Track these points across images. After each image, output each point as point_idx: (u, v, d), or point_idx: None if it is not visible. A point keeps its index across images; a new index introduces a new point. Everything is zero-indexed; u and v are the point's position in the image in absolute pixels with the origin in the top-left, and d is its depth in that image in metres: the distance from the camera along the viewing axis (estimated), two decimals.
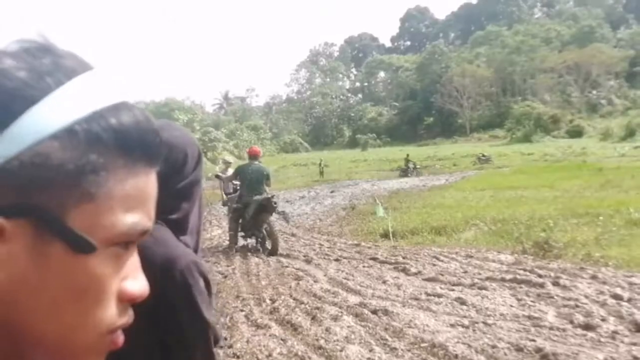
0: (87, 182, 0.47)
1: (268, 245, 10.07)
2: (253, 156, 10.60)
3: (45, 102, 0.47)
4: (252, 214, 10.05)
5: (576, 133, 57.91)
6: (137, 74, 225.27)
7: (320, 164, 34.10)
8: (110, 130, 0.49)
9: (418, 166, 31.51)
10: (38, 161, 0.46)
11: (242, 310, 6.43)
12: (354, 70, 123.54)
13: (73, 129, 0.47)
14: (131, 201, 0.50)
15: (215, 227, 13.92)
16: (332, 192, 22.76)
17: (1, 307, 0.47)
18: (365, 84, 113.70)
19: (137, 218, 0.51)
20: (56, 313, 0.48)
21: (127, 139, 0.50)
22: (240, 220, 10.44)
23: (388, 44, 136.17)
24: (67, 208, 0.47)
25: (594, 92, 73.48)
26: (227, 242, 11.10)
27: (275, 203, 10.07)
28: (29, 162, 0.45)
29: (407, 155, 34.01)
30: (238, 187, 10.75)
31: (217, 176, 11.94)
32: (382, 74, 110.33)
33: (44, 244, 0.47)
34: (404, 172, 30.42)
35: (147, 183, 0.52)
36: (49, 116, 0.47)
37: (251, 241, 10.59)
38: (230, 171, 11.60)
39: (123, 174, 0.49)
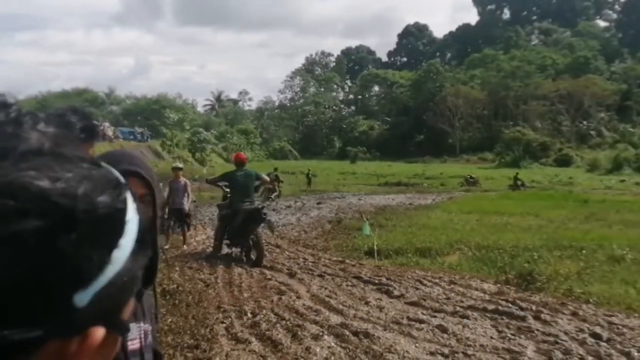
0: (138, 283, 0.59)
1: (253, 256, 10.04)
2: (240, 163, 10.62)
3: (129, 219, 0.55)
4: (240, 222, 10.01)
5: (564, 162, 58.45)
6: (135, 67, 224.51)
7: (307, 174, 34.11)
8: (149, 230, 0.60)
9: (527, 184, 32.03)
10: (127, 279, 0.54)
11: (222, 322, 6.41)
12: (348, 82, 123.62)
13: (139, 239, 0.56)
14: None
15: (200, 233, 13.86)
16: (318, 203, 22.76)
17: None
18: (359, 96, 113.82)
19: None
20: None
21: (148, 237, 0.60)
22: (227, 228, 10.42)
23: (385, 59, 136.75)
24: (126, 306, 0.58)
25: (585, 122, 74.21)
26: (211, 249, 11.07)
27: (265, 214, 10.10)
28: (121, 281, 0.54)
29: (517, 173, 34.74)
30: (229, 194, 10.70)
31: (207, 180, 11.91)
32: (376, 87, 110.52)
33: (109, 337, 0.55)
34: (514, 187, 30.90)
35: None
36: (132, 232, 0.55)
37: (236, 250, 10.56)
38: (182, 180, 11.80)
39: None
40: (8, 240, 0.47)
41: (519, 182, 31.24)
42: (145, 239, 0.59)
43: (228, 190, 10.60)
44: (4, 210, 0.47)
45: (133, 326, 1.43)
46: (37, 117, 0.55)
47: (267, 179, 11.04)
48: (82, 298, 0.50)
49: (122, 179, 0.58)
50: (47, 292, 0.48)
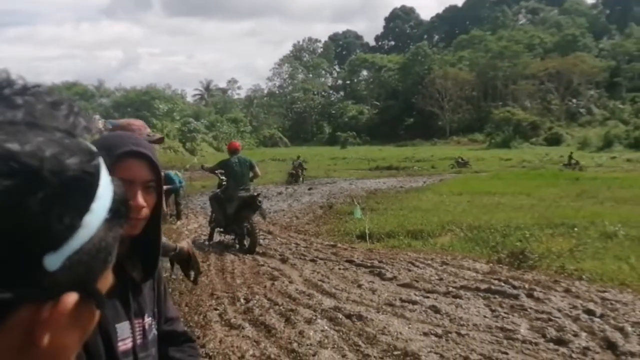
0: (113, 255, 0.59)
1: (246, 243, 10.01)
2: (233, 150, 10.64)
3: (102, 185, 0.55)
4: (234, 209, 10.02)
5: (554, 141, 58.54)
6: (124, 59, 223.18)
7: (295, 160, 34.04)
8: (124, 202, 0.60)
9: (581, 163, 31.48)
10: (100, 247, 0.55)
11: (216, 309, 6.39)
12: (337, 67, 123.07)
13: (113, 209, 0.57)
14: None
15: (192, 222, 13.80)
16: (310, 189, 22.71)
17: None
18: (348, 81, 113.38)
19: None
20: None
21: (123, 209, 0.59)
22: (222, 215, 10.39)
23: (372, 43, 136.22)
24: (100, 276, 0.57)
25: (574, 100, 74.30)
26: (204, 237, 11.08)
27: (260, 202, 10.09)
28: (94, 248, 0.54)
29: (571, 153, 34.05)
30: (224, 182, 10.57)
31: (202, 167, 11.81)
32: (364, 72, 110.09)
33: (83, 306, 0.55)
34: (567, 166, 30.66)
35: None
36: (105, 200, 0.56)
37: (229, 237, 10.55)
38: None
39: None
40: None
41: (573, 162, 30.94)
42: (120, 210, 0.58)
43: (224, 178, 10.53)
44: None
45: (124, 325, 1.37)
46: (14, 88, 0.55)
47: (259, 172, 10.97)
48: (53, 261, 0.50)
49: (94, 149, 0.57)
50: (17, 253, 0.48)
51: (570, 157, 31.81)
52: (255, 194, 10.25)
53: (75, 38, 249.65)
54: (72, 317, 0.53)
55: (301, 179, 26.76)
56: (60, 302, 0.52)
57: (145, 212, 1.37)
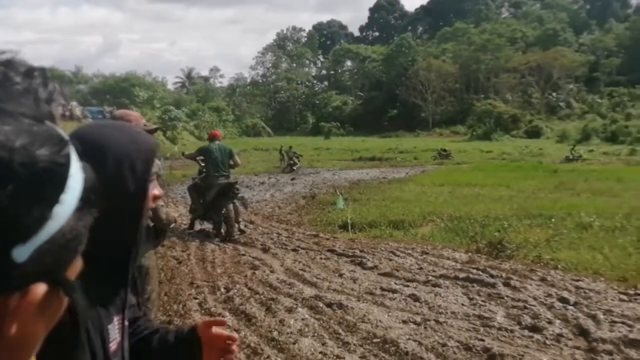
0: (83, 243, 0.59)
1: (223, 230, 10.07)
2: (213, 137, 10.72)
3: (73, 175, 0.55)
4: (212, 196, 10.07)
5: (534, 133, 59.01)
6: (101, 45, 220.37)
7: (281, 150, 33.98)
8: (94, 189, 0.60)
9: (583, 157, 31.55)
10: (70, 237, 0.55)
11: (195, 298, 6.43)
12: (320, 57, 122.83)
13: (84, 198, 0.57)
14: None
15: (172, 211, 13.76)
16: (292, 179, 22.73)
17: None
18: (332, 72, 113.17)
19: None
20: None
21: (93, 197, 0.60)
22: (201, 202, 10.42)
23: (357, 34, 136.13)
24: (69, 265, 0.58)
25: (554, 94, 74.89)
26: (184, 226, 11.09)
27: (237, 189, 10.20)
28: (64, 238, 0.54)
29: (574, 146, 34.27)
30: (204, 169, 10.68)
31: (183, 154, 11.77)
32: (348, 62, 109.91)
33: (52, 295, 0.55)
34: (570, 160, 30.53)
35: None
36: (75, 190, 0.56)
37: (208, 225, 10.59)
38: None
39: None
40: None
41: (576, 155, 31.09)
42: (91, 198, 0.58)
43: (204, 164, 10.58)
44: None
45: (113, 325, 1.32)
46: None
47: (239, 161, 10.91)
48: (21, 253, 0.50)
49: (65, 136, 0.57)
50: None
51: (572, 150, 32.18)
52: (233, 181, 10.29)
53: (53, 22, 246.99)
54: (41, 306, 0.53)
55: (298, 165, 27.51)
56: (29, 292, 0.52)
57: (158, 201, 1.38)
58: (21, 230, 0.50)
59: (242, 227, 10.63)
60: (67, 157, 0.55)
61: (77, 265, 0.59)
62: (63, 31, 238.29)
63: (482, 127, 60.37)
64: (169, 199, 15.59)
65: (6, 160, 0.48)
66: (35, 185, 0.50)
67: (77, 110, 47.10)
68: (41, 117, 0.55)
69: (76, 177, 0.56)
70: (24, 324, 0.53)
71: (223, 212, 10.01)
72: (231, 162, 10.48)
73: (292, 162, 27.60)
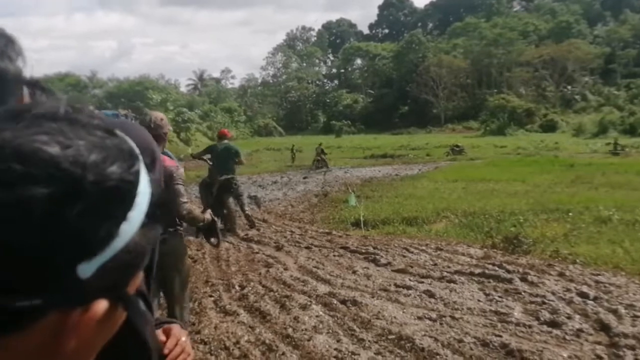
0: (147, 258, 0.59)
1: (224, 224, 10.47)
2: (221, 137, 11.11)
3: (141, 191, 0.55)
4: (215, 192, 10.45)
5: (549, 127, 58.56)
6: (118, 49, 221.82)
7: (292, 149, 33.95)
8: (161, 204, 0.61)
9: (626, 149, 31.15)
10: (134, 253, 0.55)
11: (210, 296, 6.41)
12: (330, 56, 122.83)
13: (149, 213, 0.56)
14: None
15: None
16: (305, 178, 22.72)
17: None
18: (342, 70, 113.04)
19: None
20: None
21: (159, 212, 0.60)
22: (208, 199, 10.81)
23: (366, 31, 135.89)
24: (131, 280, 0.58)
25: (569, 87, 74.35)
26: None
27: (235, 184, 10.67)
28: (128, 255, 0.54)
29: (616, 139, 33.85)
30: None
31: (192, 155, 12.13)
32: (359, 61, 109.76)
33: (112, 310, 0.55)
34: (614, 153, 30.20)
35: None
36: (142, 206, 0.55)
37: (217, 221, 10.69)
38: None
39: None
40: (14, 205, 0.47)
41: (618, 148, 30.83)
42: (156, 213, 0.58)
43: (211, 162, 10.90)
44: (12, 175, 0.46)
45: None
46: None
47: (244, 160, 11.47)
48: (86, 270, 0.50)
49: (136, 150, 0.56)
50: (50, 261, 0.48)
51: (615, 143, 31.92)
52: (230, 176, 10.64)
53: (68, 29, 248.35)
54: (100, 321, 0.53)
55: (323, 163, 27.88)
56: (90, 309, 0.52)
57: None
58: (87, 248, 0.49)
59: (248, 213, 11.20)
60: (137, 174, 0.55)
61: (137, 279, 0.60)
62: (78, 37, 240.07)
63: (496, 122, 59.93)
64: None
65: (78, 177, 0.48)
66: (104, 203, 0.50)
67: None
68: (113, 129, 0.55)
69: (144, 193, 0.55)
70: (83, 339, 0.53)
71: (224, 209, 10.47)
72: (237, 161, 10.85)
73: (319, 158, 28.06)
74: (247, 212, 11.15)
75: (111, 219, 0.51)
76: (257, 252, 8.75)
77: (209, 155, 10.81)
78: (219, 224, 10.52)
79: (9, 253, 0.46)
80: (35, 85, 1.17)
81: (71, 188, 0.47)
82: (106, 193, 0.50)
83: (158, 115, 4.62)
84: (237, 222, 10.79)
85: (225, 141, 10.87)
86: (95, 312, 0.52)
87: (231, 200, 10.79)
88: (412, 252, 8.37)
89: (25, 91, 1.09)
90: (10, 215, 0.46)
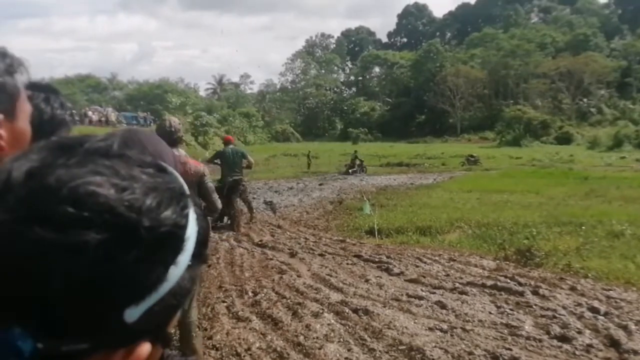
0: (190, 296, 0.59)
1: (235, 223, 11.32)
2: (227, 142, 12.12)
3: (189, 234, 0.54)
4: (225, 193, 10.84)
5: (565, 140, 58.21)
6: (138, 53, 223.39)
7: (308, 155, 34.02)
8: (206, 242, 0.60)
9: None
10: (179, 295, 0.54)
11: (223, 302, 6.48)
12: (349, 63, 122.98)
13: (196, 254, 0.56)
14: None
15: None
16: (320, 184, 22.79)
17: None
18: (360, 78, 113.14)
19: None
20: None
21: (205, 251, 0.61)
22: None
23: (385, 40, 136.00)
24: (173, 320, 0.58)
25: (585, 100, 73.83)
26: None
27: (242, 185, 11.54)
28: (174, 298, 0.53)
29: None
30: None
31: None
32: (377, 69, 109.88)
33: (154, 350, 0.55)
34: None
35: None
36: (190, 248, 0.55)
37: (226, 221, 11.65)
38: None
39: None
40: (67, 249, 0.46)
41: None
42: (202, 252, 0.58)
43: (221, 168, 11.67)
44: (67, 218, 0.46)
45: None
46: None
47: (252, 160, 12.16)
48: (133, 314, 0.50)
49: (186, 189, 0.57)
50: (99, 306, 0.48)
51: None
52: (239, 177, 11.39)
53: (90, 30, 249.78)
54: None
55: (364, 168, 29.94)
56: (134, 352, 0.52)
57: None
58: (136, 293, 0.50)
59: (254, 214, 12.54)
60: (188, 217, 0.54)
61: (177, 316, 0.59)
62: (100, 39, 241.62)
63: (511, 133, 59.71)
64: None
65: (134, 223, 0.48)
66: (157, 249, 0.50)
67: (113, 116, 48.21)
68: (163, 165, 0.56)
69: (192, 234, 0.55)
70: None
71: (231, 210, 11.21)
72: (245, 163, 11.60)
73: (358, 162, 29.85)
74: (253, 212, 12.56)
75: (161, 264, 0.51)
76: (271, 258, 8.82)
77: (218, 160, 11.66)
78: (226, 221, 11.40)
79: (59, 297, 0.46)
80: (45, 89, 1.24)
81: (126, 234, 0.48)
82: (160, 238, 0.50)
83: (175, 119, 4.86)
84: (243, 220, 11.77)
85: (231, 146, 11.85)
86: (138, 354, 0.52)
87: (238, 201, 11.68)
88: (425, 262, 8.41)
89: (24, 94, 1.14)
90: (62, 260, 0.46)
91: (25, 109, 1.13)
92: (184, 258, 0.53)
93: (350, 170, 29.05)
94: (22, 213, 0.47)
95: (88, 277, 0.46)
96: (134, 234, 0.48)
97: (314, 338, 5.24)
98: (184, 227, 0.53)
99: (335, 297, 6.54)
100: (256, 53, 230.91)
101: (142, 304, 0.50)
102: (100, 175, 0.49)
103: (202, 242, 0.57)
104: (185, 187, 0.57)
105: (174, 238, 0.52)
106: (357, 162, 29.88)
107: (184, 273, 0.54)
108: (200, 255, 0.57)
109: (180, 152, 4.67)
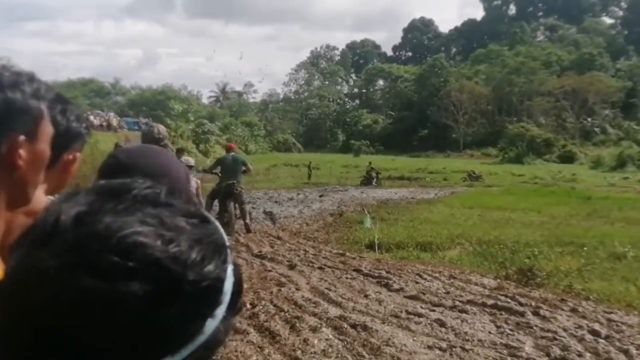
0: (222, 344, 0.57)
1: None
2: (229, 149, 12.50)
3: (227, 286, 0.54)
4: (221, 198, 11.38)
5: (567, 158, 58.15)
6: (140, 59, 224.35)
7: (309, 166, 34.02)
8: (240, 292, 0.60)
9: None
10: (212, 346, 0.54)
11: None
12: (353, 75, 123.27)
13: (231, 306, 0.55)
14: None
15: None
16: (321, 196, 22.76)
17: None
18: (364, 90, 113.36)
19: None
20: None
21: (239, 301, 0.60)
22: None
23: (390, 53, 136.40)
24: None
25: (589, 119, 73.84)
26: None
27: (237, 189, 11.54)
28: (207, 348, 0.53)
29: None
30: (219, 175, 12.01)
31: (203, 169, 13.16)
32: (381, 82, 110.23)
33: None
34: None
35: None
36: (227, 300, 0.54)
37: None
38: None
39: None
40: (112, 299, 0.46)
41: None
42: (238, 304, 0.57)
43: (220, 175, 11.89)
44: (113, 268, 0.46)
45: None
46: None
47: (252, 167, 12.57)
48: None
49: (226, 240, 0.57)
50: (137, 356, 0.48)
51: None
52: (233, 181, 11.50)
53: (95, 35, 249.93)
54: None
55: (378, 180, 30.58)
56: None
57: None
58: (173, 345, 0.49)
59: (248, 221, 12.27)
60: (227, 269, 0.54)
61: None
62: (105, 44, 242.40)
63: (514, 150, 59.72)
64: None
65: (178, 276, 0.48)
66: (198, 302, 0.50)
67: (114, 121, 48.27)
68: (206, 215, 0.56)
69: (229, 285, 0.55)
70: None
71: (225, 214, 11.29)
72: (244, 169, 11.91)
73: (374, 174, 30.70)
74: (247, 222, 12.24)
75: (200, 317, 0.51)
76: (270, 270, 8.78)
77: (219, 168, 11.89)
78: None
79: (100, 347, 0.46)
80: (64, 101, 1.22)
81: (170, 287, 0.48)
82: (202, 292, 0.50)
83: (162, 127, 4.91)
84: (236, 227, 11.87)
85: (233, 153, 12.14)
86: None
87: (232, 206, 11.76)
88: (425, 279, 8.35)
89: (47, 118, 1.14)
90: (107, 310, 0.46)
91: (47, 131, 1.14)
92: (221, 311, 0.53)
93: (373, 182, 29.78)
94: (70, 260, 0.47)
95: (130, 328, 0.47)
96: (177, 287, 0.48)
97: (311, 353, 5.18)
98: (223, 281, 0.53)
99: (333, 311, 6.49)
100: (260, 63, 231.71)
101: (177, 356, 0.50)
102: (147, 226, 0.49)
103: (237, 292, 0.57)
104: (225, 237, 0.57)
105: (214, 291, 0.52)
106: (373, 173, 30.42)
107: (219, 325, 0.53)
108: (234, 306, 0.56)
109: (189, 159, 4.73)
